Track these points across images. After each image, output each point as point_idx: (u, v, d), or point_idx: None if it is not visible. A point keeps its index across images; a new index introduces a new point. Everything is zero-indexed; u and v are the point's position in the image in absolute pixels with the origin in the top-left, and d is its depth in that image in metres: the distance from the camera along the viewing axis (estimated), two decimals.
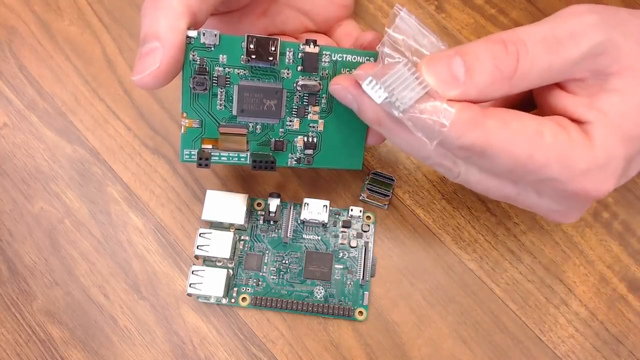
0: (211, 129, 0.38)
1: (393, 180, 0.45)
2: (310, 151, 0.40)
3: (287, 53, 0.37)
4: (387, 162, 0.48)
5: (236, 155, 0.39)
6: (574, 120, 0.32)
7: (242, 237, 0.45)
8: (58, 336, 0.44)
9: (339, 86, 0.35)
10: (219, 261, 0.44)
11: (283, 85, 0.38)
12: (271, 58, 0.36)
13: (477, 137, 0.30)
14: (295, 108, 0.39)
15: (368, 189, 0.45)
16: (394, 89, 0.31)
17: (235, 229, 0.45)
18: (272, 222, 0.46)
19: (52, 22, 0.51)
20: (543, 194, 0.34)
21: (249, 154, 0.39)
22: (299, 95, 0.39)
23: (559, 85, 0.33)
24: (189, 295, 0.42)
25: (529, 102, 0.38)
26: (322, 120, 0.40)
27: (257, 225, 0.46)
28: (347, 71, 0.39)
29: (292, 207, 0.46)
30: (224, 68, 0.37)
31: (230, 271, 0.44)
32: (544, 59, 0.31)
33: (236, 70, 0.37)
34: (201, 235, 0.43)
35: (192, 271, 0.42)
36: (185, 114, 0.37)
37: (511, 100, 0.38)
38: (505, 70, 0.30)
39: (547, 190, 0.33)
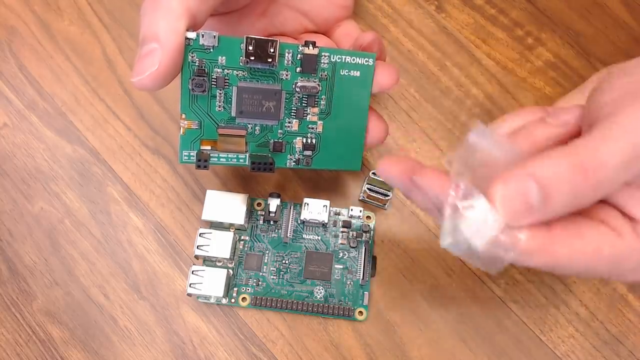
0: (210, 130, 0.38)
1: None
2: (309, 152, 0.40)
3: (286, 54, 0.37)
4: None
5: (235, 156, 0.39)
6: (626, 215, 0.31)
7: (242, 237, 0.45)
8: (58, 336, 0.44)
9: (391, 176, 0.32)
10: (219, 261, 0.44)
11: (282, 87, 0.38)
12: (270, 59, 0.36)
13: (544, 263, 0.29)
14: (294, 109, 0.39)
15: (368, 189, 0.45)
16: (469, 234, 0.28)
17: (235, 229, 0.45)
18: (272, 222, 0.46)
19: (52, 22, 0.51)
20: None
21: (247, 155, 0.39)
22: (298, 97, 0.39)
23: None
24: (189, 295, 0.42)
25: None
26: (321, 122, 0.40)
27: (257, 225, 0.46)
28: (347, 73, 0.39)
29: (292, 207, 0.46)
30: (223, 69, 0.37)
31: (230, 271, 0.44)
32: (624, 176, 0.29)
33: (235, 71, 0.37)
34: (201, 235, 0.43)
35: (192, 271, 0.42)
36: (184, 116, 0.37)
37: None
38: (584, 198, 0.29)
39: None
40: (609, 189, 0.29)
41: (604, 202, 0.31)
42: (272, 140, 0.39)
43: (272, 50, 0.36)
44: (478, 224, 0.28)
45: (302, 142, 0.40)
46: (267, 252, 0.45)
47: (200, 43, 0.35)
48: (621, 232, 0.30)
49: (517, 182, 0.28)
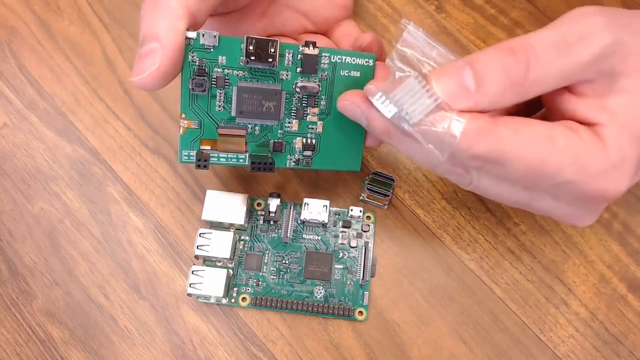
0: (210, 130, 0.38)
1: (393, 180, 0.45)
2: (309, 152, 0.40)
3: (287, 54, 0.37)
4: (387, 162, 0.48)
5: (235, 156, 0.39)
6: (584, 123, 0.32)
7: (242, 237, 0.45)
8: (58, 336, 0.44)
9: (347, 102, 0.36)
10: (219, 261, 0.44)
11: (282, 87, 0.38)
12: (270, 59, 0.36)
13: (488, 146, 0.30)
14: (294, 109, 0.39)
15: (368, 189, 0.45)
16: (404, 103, 0.31)
17: (235, 229, 0.45)
18: (272, 222, 0.46)
19: (52, 22, 0.51)
20: (558, 198, 0.34)
21: (247, 155, 0.39)
22: (298, 97, 0.39)
23: (567, 89, 0.33)
24: (189, 295, 0.42)
25: (536, 107, 0.38)
26: (321, 122, 0.40)
27: (257, 225, 0.46)
28: (347, 73, 0.39)
29: (292, 207, 0.46)
30: (223, 69, 0.37)
31: (230, 271, 0.44)
32: (555, 64, 0.30)
33: (235, 71, 0.37)
34: (201, 235, 0.43)
35: (192, 271, 0.42)
36: (184, 115, 0.37)
37: (518, 107, 0.38)
38: (516, 78, 0.30)
39: (563, 194, 0.33)
40: (543, 74, 0.31)
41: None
42: (272, 141, 0.39)
43: (272, 50, 0.36)
44: (415, 97, 0.31)
45: (302, 142, 0.40)
46: (267, 252, 0.45)
47: (201, 43, 0.35)
48: (577, 130, 0.31)
49: (452, 67, 0.31)
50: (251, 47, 0.36)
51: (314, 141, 0.40)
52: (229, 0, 0.39)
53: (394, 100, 0.31)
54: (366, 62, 0.39)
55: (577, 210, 0.35)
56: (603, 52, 0.30)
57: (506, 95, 0.31)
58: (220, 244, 0.43)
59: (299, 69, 0.38)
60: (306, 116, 0.39)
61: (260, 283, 0.44)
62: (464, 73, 0.31)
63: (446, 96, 0.31)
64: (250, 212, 0.46)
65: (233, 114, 0.38)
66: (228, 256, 0.43)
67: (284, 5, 0.43)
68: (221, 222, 0.44)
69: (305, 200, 0.45)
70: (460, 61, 0.31)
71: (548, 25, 0.32)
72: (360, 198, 0.47)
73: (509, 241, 0.46)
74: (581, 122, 0.32)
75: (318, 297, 0.44)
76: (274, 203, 0.45)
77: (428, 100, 0.31)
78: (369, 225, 0.46)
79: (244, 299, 0.44)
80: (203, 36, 0.35)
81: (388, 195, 0.45)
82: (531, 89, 0.31)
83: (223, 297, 0.42)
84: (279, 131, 0.39)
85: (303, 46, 0.37)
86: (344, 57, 0.38)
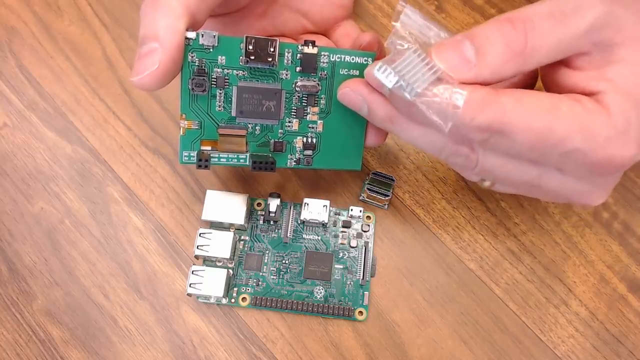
0: (210, 130, 0.38)
1: (393, 180, 0.45)
2: (309, 152, 0.40)
3: (286, 54, 0.37)
4: (387, 162, 0.48)
5: (235, 156, 0.39)
6: (586, 94, 0.32)
7: (242, 237, 0.45)
8: (58, 336, 0.44)
9: (348, 89, 0.36)
10: (219, 261, 0.44)
11: (282, 86, 0.38)
12: (270, 59, 0.36)
13: (492, 116, 0.30)
14: (294, 109, 0.39)
15: (368, 189, 0.45)
16: (406, 74, 0.31)
17: (235, 229, 0.45)
18: (272, 222, 0.46)
19: (52, 22, 0.51)
20: (567, 172, 0.33)
21: (248, 155, 0.39)
22: (298, 96, 0.39)
23: (565, 64, 0.33)
24: (189, 295, 0.42)
25: (532, 88, 0.38)
26: (321, 121, 0.40)
27: (257, 225, 0.46)
28: (346, 72, 0.39)
29: (292, 207, 0.46)
30: (223, 69, 0.37)
31: (230, 271, 0.44)
32: (552, 34, 0.31)
33: (235, 71, 0.37)
34: (201, 235, 0.43)
35: (192, 271, 0.42)
36: (184, 116, 0.37)
37: (516, 86, 0.38)
38: (516, 48, 0.31)
39: (571, 166, 0.33)
40: (542, 44, 0.31)
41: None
42: (272, 140, 0.39)
43: (272, 49, 0.36)
44: (416, 69, 0.31)
45: (303, 141, 0.40)
46: (267, 252, 0.45)
47: (200, 43, 0.35)
48: (579, 99, 0.31)
49: (452, 41, 0.32)
50: (251, 47, 0.36)
51: (314, 140, 0.40)
52: (229, 1, 0.39)
53: (396, 70, 0.31)
54: (365, 60, 0.39)
55: (587, 185, 0.34)
56: (597, 22, 0.31)
57: (507, 65, 0.31)
58: (220, 244, 0.43)
59: (298, 68, 0.38)
60: (306, 115, 0.39)
61: (260, 283, 0.44)
62: (464, 45, 0.31)
63: (447, 68, 0.31)
64: (250, 212, 0.46)
65: (233, 114, 0.38)
66: (228, 256, 0.43)
67: (284, 6, 0.43)
68: (221, 222, 0.44)
69: (305, 200, 0.45)
70: (460, 35, 0.32)
71: None
72: (360, 198, 0.47)
73: (509, 241, 0.46)
74: (583, 94, 0.32)
75: (318, 297, 0.44)
76: (274, 203, 0.45)
77: (429, 72, 0.31)
78: (369, 225, 0.46)
79: (244, 299, 0.44)
80: (202, 36, 0.35)
81: (388, 195, 0.45)
82: (530, 59, 0.31)
83: (223, 297, 0.42)
84: (280, 131, 0.39)
85: (302, 45, 0.37)
86: (343, 56, 0.38)
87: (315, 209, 0.45)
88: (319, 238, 0.45)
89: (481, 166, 0.35)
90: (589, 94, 0.32)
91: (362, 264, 0.45)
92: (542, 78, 0.36)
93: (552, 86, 0.34)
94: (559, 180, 0.34)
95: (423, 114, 0.31)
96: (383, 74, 0.32)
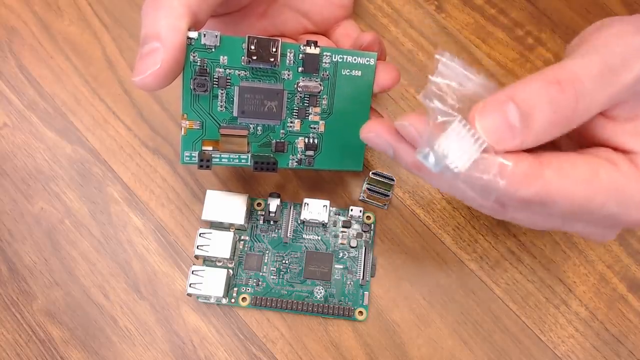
0: (212, 130, 0.38)
1: (393, 180, 0.45)
2: (311, 152, 0.40)
3: (288, 54, 0.37)
4: (387, 162, 0.48)
5: (237, 156, 0.39)
6: (619, 150, 0.31)
7: (242, 237, 0.45)
8: (58, 336, 0.44)
9: (373, 134, 0.34)
10: (219, 261, 0.44)
11: (284, 87, 0.38)
12: (272, 59, 0.36)
13: (536, 190, 0.29)
14: (296, 109, 0.39)
15: (368, 189, 0.45)
16: (449, 153, 0.28)
17: (235, 229, 0.45)
18: (272, 222, 0.46)
19: (52, 22, 0.51)
20: (593, 225, 0.33)
21: (250, 155, 0.39)
22: (300, 97, 0.39)
23: (601, 112, 0.31)
24: (189, 295, 0.42)
25: None
26: (323, 122, 0.40)
27: (257, 225, 0.46)
28: (348, 72, 0.39)
29: (292, 207, 0.46)
30: (225, 69, 0.37)
31: (230, 271, 0.44)
32: (602, 93, 0.29)
33: (237, 71, 0.37)
34: (201, 235, 0.43)
35: (192, 271, 0.42)
36: (185, 116, 0.37)
37: None
38: (565, 113, 0.29)
39: (600, 223, 0.32)
40: (591, 105, 0.29)
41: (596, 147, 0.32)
42: (274, 141, 0.39)
43: (274, 49, 0.36)
44: (459, 144, 0.28)
45: (304, 142, 0.40)
46: (267, 252, 0.45)
47: (202, 42, 0.35)
48: (616, 162, 0.30)
49: (496, 104, 0.29)
50: (253, 47, 0.36)
51: (316, 141, 0.40)
52: (230, 0, 0.39)
53: (438, 153, 0.29)
54: (367, 61, 0.39)
55: (605, 232, 0.34)
56: None
57: (553, 130, 0.29)
58: (220, 244, 0.43)
59: (300, 69, 0.38)
60: (308, 116, 0.39)
61: (260, 283, 0.44)
62: (508, 109, 0.29)
63: (491, 136, 0.29)
64: (250, 212, 0.46)
65: (235, 114, 0.38)
66: (228, 256, 0.43)
67: (284, 6, 0.43)
68: (221, 222, 0.44)
69: (305, 200, 0.45)
70: (502, 95, 0.29)
71: (583, 48, 0.31)
72: (360, 198, 0.47)
73: (509, 241, 0.46)
74: (616, 149, 0.31)
75: (318, 297, 0.44)
76: (274, 203, 0.45)
77: (474, 145, 0.28)
78: (369, 225, 0.46)
79: (244, 299, 0.44)
80: (204, 36, 0.35)
81: (388, 195, 0.45)
82: (577, 121, 0.30)
83: (223, 297, 0.42)
84: (281, 131, 0.39)
85: (304, 45, 0.37)
86: (345, 57, 0.38)
87: (315, 209, 0.45)
88: (319, 238, 0.45)
89: (509, 218, 0.34)
90: (624, 151, 0.31)
91: (362, 264, 0.45)
92: None
93: (585, 133, 0.33)
94: (581, 227, 0.34)
95: (464, 190, 0.31)
96: (424, 158, 0.29)
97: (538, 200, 0.29)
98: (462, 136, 0.29)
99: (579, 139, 0.33)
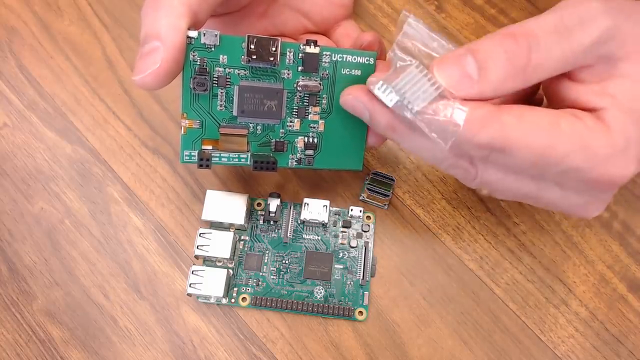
0: (211, 129, 0.38)
1: (393, 180, 0.45)
2: (310, 152, 0.40)
3: (288, 53, 0.37)
4: (387, 162, 0.48)
5: (237, 156, 0.39)
6: (587, 109, 0.32)
7: (242, 237, 0.45)
8: (58, 336, 0.44)
9: (351, 96, 0.35)
10: (219, 261, 0.44)
11: (283, 86, 0.38)
12: (272, 58, 0.36)
13: (493, 133, 0.30)
14: (295, 108, 0.39)
15: (368, 189, 0.45)
16: (406, 92, 0.30)
17: (235, 229, 0.45)
18: (272, 222, 0.46)
19: (52, 22, 0.51)
20: (566, 187, 0.33)
21: (249, 154, 0.39)
22: (300, 96, 0.39)
23: (567, 76, 0.33)
24: (189, 295, 0.42)
25: (533, 98, 0.38)
26: (323, 121, 0.40)
27: (257, 225, 0.46)
28: (348, 72, 0.39)
29: (292, 207, 0.46)
30: (225, 68, 0.37)
31: (230, 271, 0.44)
32: (556, 49, 0.30)
33: (237, 70, 0.37)
34: (201, 235, 0.43)
35: (192, 271, 0.42)
36: (185, 115, 0.37)
37: (517, 96, 0.38)
38: (519, 64, 0.30)
39: (570, 182, 0.33)
40: (545, 60, 0.31)
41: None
42: (273, 140, 0.39)
43: (274, 49, 0.36)
44: (417, 86, 0.31)
45: (304, 141, 0.40)
46: (267, 252, 0.45)
47: (202, 42, 0.35)
48: (580, 117, 0.31)
49: (455, 56, 0.31)
50: (252, 46, 0.36)
51: (315, 140, 0.40)
52: (230, 0, 0.39)
53: (396, 89, 0.31)
54: (367, 60, 0.39)
55: (584, 200, 0.34)
56: (602, 36, 0.30)
57: (509, 81, 0.31)
58: (220, 244, 0.43)
59: (300, 68, 0.38)
60: (308, 115, 0.39)
61: (260, 283, 0.44)
62: (466, 61, 0.31)
63: (449, 84, 0.31)
64: (250, 212, 0.46)
65: (235, 113, 0.38)
66: (228, 256, 0.43)
67: (284, 5, 0.43)
68: (221, 222, 0.44)
69: (305, 200, 0.45)
70: (462, 49, 0.31)
71: (547, 10, 0.32)
72: (360, 198, 0.47)
73: (509, 241, 0.46)
74: (584, 109, 0.32)
75: (318, 297, 0.44)
76: (274, 203, 0.45)
77: (430, 88, 0.30)
78: (369, 225, 0.46)
79: (244, 299, 0.44)
80: (204, 35, 0.35)
81: (388, 195, 0.45)
82: (533, 74, 0.31)
83: (223, 297, 0.42)
84: (281, 130, 0.39)
85: (304, 45, 0.37)
86: (345, 56, 0.38)
87: (315, 209, 0.45)
88: (319, 238, 0.45)
89: (480, 179, 0.35)
90: (590, 110, 0.32)
91: (362, 264, 0.45)
92: (543, 89, 0.36)
93: (553, 97, 0.34)
94: (557, 194, 0.34)
95: (423, 131, 0.31)
96: (384, 92, 0.31)
97: (497, 145, 0.30)
98: (419, 79, 0.31)
99: (548, 106, 0.34)
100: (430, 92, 0.30)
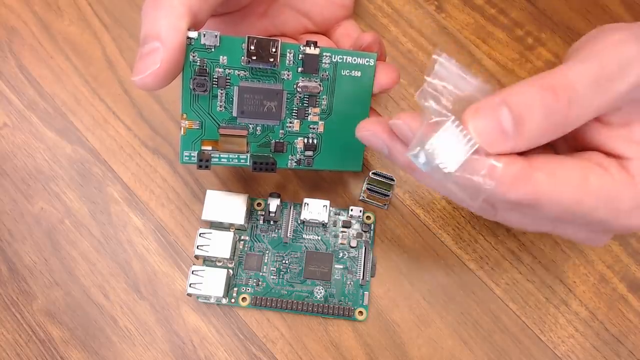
0: (211, 130, 0.38)
1: (393, 180, 0.45)
2: (310, 153, 0.40)
3: (288, 54, 0.37)
4: (387, 162, 0.48)
5: (236, 156, 0.39)
6: (612, 155, 0.31)
7: (242, 237, 0.45)
8: (58, 336, 0.44)
9: (369, 133, 0.34)
10: (219, 261, 0.44)
11: (283, 87, 0.38)
12: (272, 59, 0.36)
13: (525, 192, 0.29)
14: (295, 109, 0.39)
15: (368, 189, 0.45)
16: (440, 153, 0.29)
17: (235, 229, 0.45)
18: (272, 222, 0.46)
19: (52, 22, 0.51)
20: (583, 229, 0.33)
21: (249, 155, 0.39)
22: (299, 97, 0.39)
23: (595, 118, 0.31)
24: (189, 295, 0.42)
25: None
26: (322, 122, 0.40)
27: (257, 225, 0.46)
28: (348, 73, 0.39)
29: (292, 207, 0.46)
30: (224, 69, 0.37)
31: (230, 271, 0.44)
32: (595, 101, 0.29)
33: (236, 71, 0.37)
34: (201, 235, 0.43)
35: (192, 271, 0.42)
36: (185, 115, 0.37)
37: None
38: (557, 121, 0.29)
39: (590, 227, 0.33)
40: (583, 112, 0.29)
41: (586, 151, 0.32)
42: (273, 141, 0.39)
43: (274, 50, 0.36)
44: (450, 145, 0.29)
45: (304, 142, 0.40)
46: (267, 252, 0.45)
47: (202, 42, 0.35)
48: (607, 167, 0.31)
49: (489, 107, 0.29)
50: (252, 47, 0.36)
51: (315, 141, 0.40)
52: (230, 0, 0.39)
53: (430, 151, 0.29)
54: (367, 61, 0.39)
55: (599, 236, 0.35)
56: (637, 82, 0.29)
57: (545, 136, 0.29)
58: (220, 244, 0.43)
59: (300, 69, 0.38)
60: (307, 116, 0.39)
61: (260, 283, 0.44)
62: (501, 113, 0.29)
63: (482, 139, 0.29)
64: (250, 212, 0.46)
65: (234, 114, 0.38)
66: (228, 256, 0.43)
67: (285, 5, 0.43)
68: (221, 222, 0.44)
69: (305, 200, 0.45)
70: (497, 98, 0.29)
71: (581, 54, 0.30)
72: (360, 198, 0.47)
73: (509, 241, 0.46)
74: (608, 154, 0.31)
75: (318, 297, 0.44)
76: (274, 203, 0.45)
77: (465, 147, 0.29)
78: (369, 225, 0.46)
79: (244, 299, 0.44)
80: (204, 36, 0.35)
81: (388, 195, 0.45)
82: (569, 127, 0.30)
83: (223, 297, 0.42)
84: (280, 131, 0.39)
85: (304, 46, 0.37)
86: (345, 57, 0.38)
87: (315, 209, 0.45)
88: (319, 238, 0.45)
89: (499, 219, 0.34)
90: (616, 157, 0.31)
91: (362, 264, 0.45)
92: None
93: (578, 137, 0.33)
94: (572, 231, 0.34)
95: (454, 191, 0.30)
96: (416, 157, 0.29)
97: (527, 202, 0.29)
98: (454, 137, 0.29)
99: (573, 142, 0.33)
100: (465, 152, 0.29)
